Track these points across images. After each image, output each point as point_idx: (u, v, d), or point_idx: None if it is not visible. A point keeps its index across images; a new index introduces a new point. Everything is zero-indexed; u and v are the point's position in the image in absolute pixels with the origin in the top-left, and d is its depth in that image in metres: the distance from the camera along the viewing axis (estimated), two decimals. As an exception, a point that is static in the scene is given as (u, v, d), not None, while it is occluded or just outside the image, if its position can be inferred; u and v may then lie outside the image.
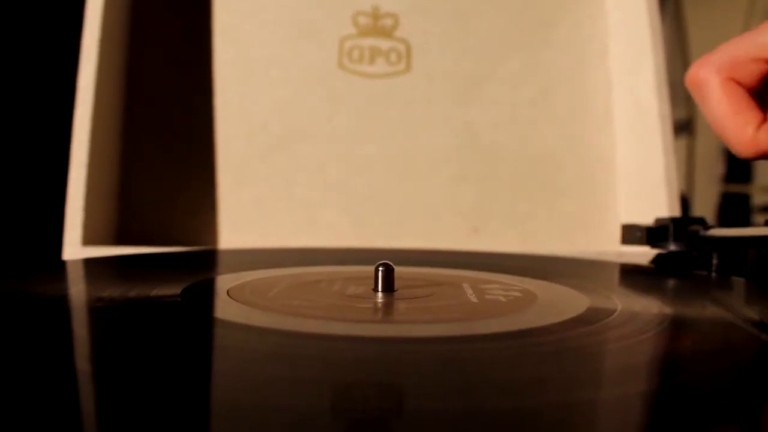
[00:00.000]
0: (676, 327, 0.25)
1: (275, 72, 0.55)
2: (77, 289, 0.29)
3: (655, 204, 0.52)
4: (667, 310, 0.27)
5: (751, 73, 0.29)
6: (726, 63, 0.29)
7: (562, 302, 0.27)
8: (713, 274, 0.38)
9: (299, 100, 0.55)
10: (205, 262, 0.42)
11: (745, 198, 1.56)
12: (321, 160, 0.54)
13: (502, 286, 0.32)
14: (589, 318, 0.25)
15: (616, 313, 0.26)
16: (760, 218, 1.47)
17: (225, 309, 0.26)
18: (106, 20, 0.49)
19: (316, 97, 0.55)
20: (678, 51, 1.56)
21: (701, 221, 0.40)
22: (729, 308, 0.28)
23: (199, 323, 0.25)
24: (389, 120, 0.55)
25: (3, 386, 0.16)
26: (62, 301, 0.27)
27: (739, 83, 0.29)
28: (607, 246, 0.56)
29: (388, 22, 0.56)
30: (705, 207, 1.54)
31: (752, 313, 0.27)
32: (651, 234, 0.40)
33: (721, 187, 1.52)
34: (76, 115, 0.47)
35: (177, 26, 0.55)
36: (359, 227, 0.55)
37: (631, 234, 0.41)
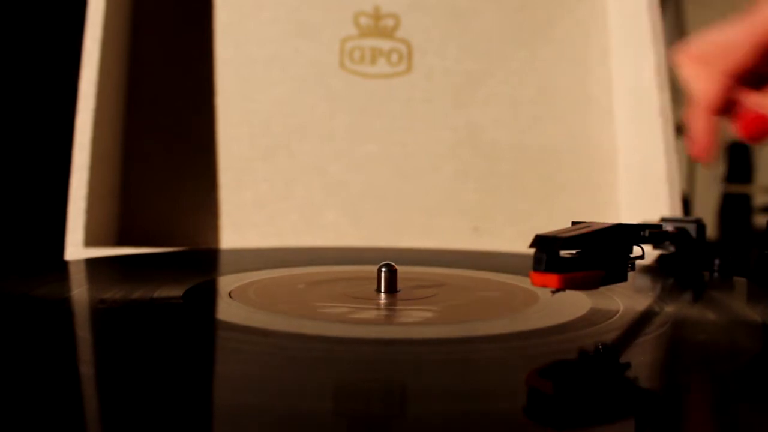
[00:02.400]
0: (678, 327, 0.25)
1: (276, 72, 0.55)
2: (80, 291, 0.29)
3: (657, 201, 0.52)
4: (670, 310, 0.27)
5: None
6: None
7: (565, 303, 0.27)
8: (715, 275, 0.38)
9: (300, 100, 0.55)
10: (206, 263, 0.42)
11: (746, 198, 1.56)
12: (322, 159, 0.54)
13: (504, 286, 0.32)
14: (592, 319, 0.25)
15: (618, 314, 0.26)
16: (760, 218, 1.46)
17: (227, 310, 0.26)
18: (107, 23, 0.49)
19: (317, 97, 0.55)
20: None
21: (698, 221, 0.40)
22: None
23: (201, 325, 0.25)
24: (390, 119, 0.55)
25: (6, 387, 0.16)
26: (65, 302, 0.27)
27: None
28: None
29: (389, 22, 0.56)
30: (705, 207, 1.54)
31: (754, 313, 0.27)
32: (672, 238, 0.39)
33: (721, 187, 1.52)
34: (77, 117, 0.47)
35: (177, 26, 0.55)
36: (360, 226, 0.55)
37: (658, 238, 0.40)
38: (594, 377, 0.19)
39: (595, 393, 0.17)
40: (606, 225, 0.24)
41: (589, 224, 0.24)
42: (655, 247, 0.41)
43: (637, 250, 0.26)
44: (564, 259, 0.21)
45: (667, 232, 0.38)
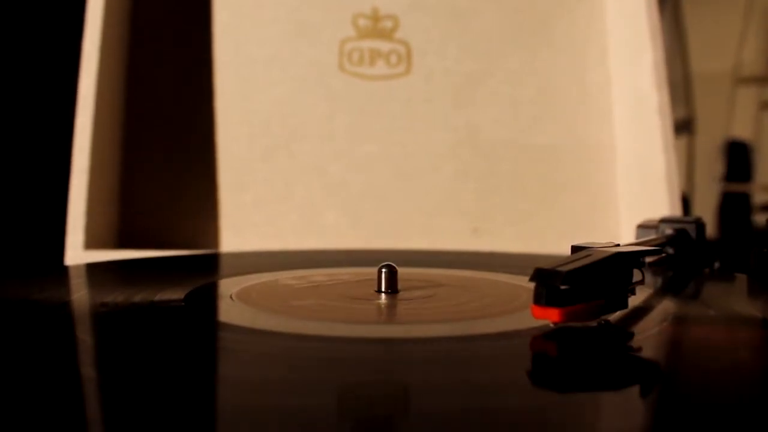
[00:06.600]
0: (677, 325, 0.25)
1: (276, 72, 0.55)
2: (80, 294, 0.29)
3: (656, 201, 0.52)
4: (669, 308, 0.27)
5: None
6: None
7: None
8: (715, 272, 0.38)
9: (300, 100, 0.55)
10: (208, 266, 0.42)
11: (745, 197, 1.56)
12: (322, 160, 0.55)
13: (503, 286, 0.32)
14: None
15: (617, 312, 0.26)
16: (760, 217, 1.46)
17: (229, 312, 0.26)
18: (106, 25, 0.49)
19: (317, 97, 0.55)
20: (677, 50, 1.56)
21: (698, 221, 0.40)
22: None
23: (203, 327, 0.25)
24: (390, 120, 0.55)
25: (7, 392, 0.16)
26: (65, 306, 0.27)
27: None
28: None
29: (387, 24, 0.56)
30: (705, 206, 1.54)
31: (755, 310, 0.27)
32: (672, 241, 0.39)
33: (721, 187, 1.52)
34: (77, 120, 0.47)
35: (177, 26, 0.55)
36: (360, 227, 0.55)
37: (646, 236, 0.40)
38: (598, 343, 0.19)
39: (599, 357, 0.17)
40: (606, 252, 0.24)
41: (589, 251, 0.24)
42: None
43: (637, 274, 0.25)
44: (564, 291, 0.21)
45: (668, 255, 0.38)
